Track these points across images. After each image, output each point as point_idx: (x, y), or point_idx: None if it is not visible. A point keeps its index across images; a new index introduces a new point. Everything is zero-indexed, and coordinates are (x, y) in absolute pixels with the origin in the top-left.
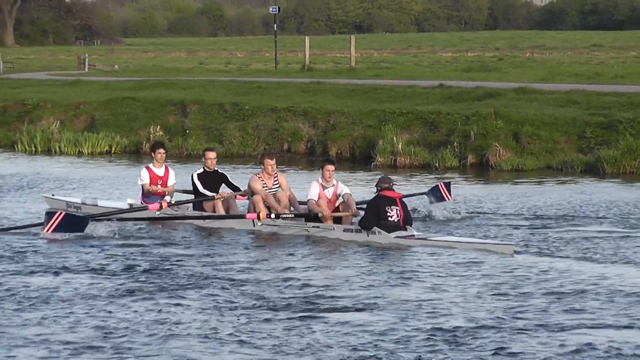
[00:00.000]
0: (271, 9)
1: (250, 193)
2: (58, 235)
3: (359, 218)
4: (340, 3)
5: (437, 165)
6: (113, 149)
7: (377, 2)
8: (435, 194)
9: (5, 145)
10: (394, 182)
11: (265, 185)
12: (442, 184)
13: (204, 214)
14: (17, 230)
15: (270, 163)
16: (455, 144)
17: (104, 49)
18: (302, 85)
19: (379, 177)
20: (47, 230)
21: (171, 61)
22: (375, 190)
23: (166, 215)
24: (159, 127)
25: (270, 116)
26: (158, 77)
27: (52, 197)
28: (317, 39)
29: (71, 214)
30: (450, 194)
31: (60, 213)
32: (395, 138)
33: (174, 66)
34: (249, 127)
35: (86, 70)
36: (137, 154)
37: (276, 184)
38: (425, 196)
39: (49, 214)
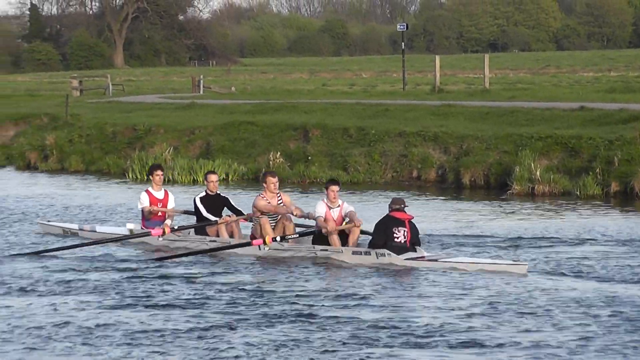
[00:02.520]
0: (399, 26)
1: (257, 213)
2: None
3: (366, 238)
4: (473, 20)
5: (577, 193)
6: (230, 177)
7: (512, 18)
8: None
9: (116, 173)
10: (406, 205)
11: (269, 204)
12: None
13: (209, 243)
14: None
15: (273, 181)
16: (597, 170)
17: (220, 69)
18: (432, 107)
19: (392, 198)
20: None
21: (291, 82)
22: (388, 210)
23: (168, 255)
24: (279, 153)
25: (398, 141)
26: (278, 100)
27: (48, 222)
28: (448, 58)
29: None
30: None
31: None
32: (532, 164)
33: (295, 88)
34: (376, 153)
35: (201, 92)
36: (255, 182)
37: (280, 203)
38: None
39: None
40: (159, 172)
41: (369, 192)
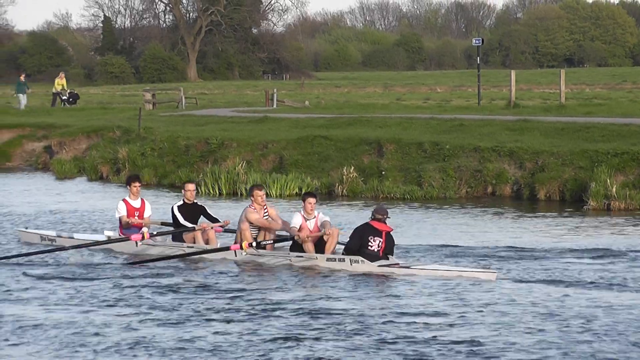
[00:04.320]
0: (474, 41)
1: (244, 224)
2: None
3: (341, 248)
4: (549, 34)
5: None
6: (303, 191)
7: (589, 33)
8: None
9: None
10: (388, 216)
11: (266, 219)
12: None
13: (186, 249)
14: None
15: (260, 194)
16: None
17: (294, 83)
18: (507, 123)
19: (376, 206)
20: None
21: (366, 97)
22: (370, 218)
23: (146, 258)
24: (352, 167)
25: (473, 156)
26: (351, 114)
27: (26, 230)
28: (524, 73)
29: None
30: None
31: None
32: (609, 180)
33: (369, 102)
34: (450, 168)
35: (274, 106)
36: (329, 196)
37: (266, 215)
38: None
39: None
40: (137, 184)
41: (443, 207)
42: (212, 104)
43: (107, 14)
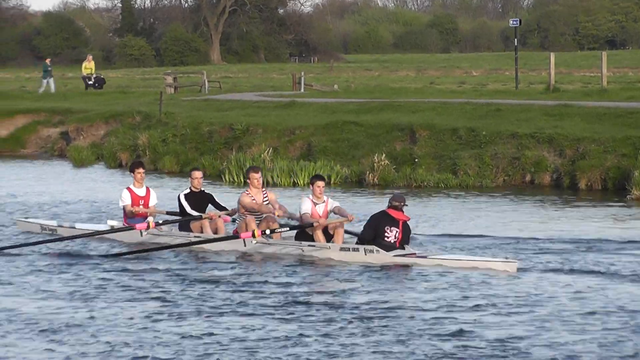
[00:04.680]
0: (511, 22)
1: (242, 210)
2: None
3: (350, 238)
4: (590, 15)
5: None
6: (332, 180)
7: (632, 14)
8: None
9: (212, 175)
10: (406, 204)
11: (254, 201)
12: None
13: (194, 238)
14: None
15: (256, 177)
16: None
17: (322, 66)
18: (546, 108)
19: (394, 193)
20: None
21: (397, 80)
22: (387, 205)
23: (155, 246)
24: (384, 155)
25: (510, 143)
26: (383, 99)
27: (26, 220)
28: (564, 55)
29: None
30: None
31: None
32: None
33: (401, 86)
34: (486, 155)
35: (302, 90)
36: (359, 185)
37: (265, 200)
38: None
39: None
40: (141, 170)
41: (479, 196)
42: (237, 88)
43: None
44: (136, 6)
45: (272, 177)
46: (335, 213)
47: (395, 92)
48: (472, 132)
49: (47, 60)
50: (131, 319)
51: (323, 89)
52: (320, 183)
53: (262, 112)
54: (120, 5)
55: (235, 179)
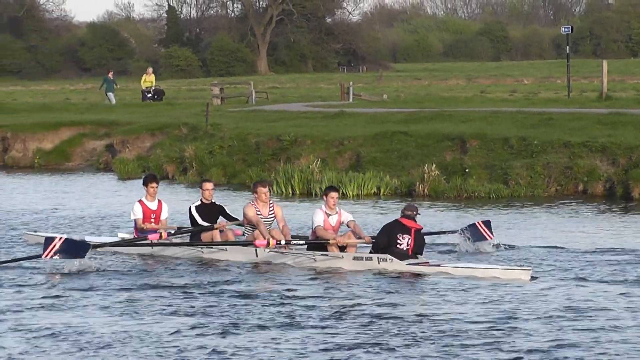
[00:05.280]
0: (563, 29)
1: (245, 221)
2: (58, 259)
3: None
4: None
5: None
6: (382, 191)
7: None
8: (474, 233)
9: None
10: (418, 213)
11: (260, 214)
12: (480, 222)
13: (205, 249)
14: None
15: (263, 191)
16: None
17: (371, 75)
18: (599, 116)
19: (407, 203)
20: (47, 256)
21: (447, 89)
22: (400, 215)
23: (168, 242)
24: (434, 165)
25: (562, 152)
26: (433, 108)
27: (35, 233)
28: (616, 62)
29: (71, 239)
30: (492, 233)
31: (60, 238)
32: None
33: (451, 95)
34: (538, 165)
35: (350, 100)
36: (409, 196)
37: (271, 214)
38: (457, 235)
39: (49, 239)
40: (154, 185)
41: (531, 206)
42: (284, 98)
43: (171, 4)
44: (182, 16)
45: (320, 189)
46: (349, 227)
47: (445, 101)
48: (524, 141)
49: (110, 74)
50: (143, 331)
51: (372, 99)
52: (334, 194)
53: (310, 122)
54: (166, 15)
55: (284, 190)
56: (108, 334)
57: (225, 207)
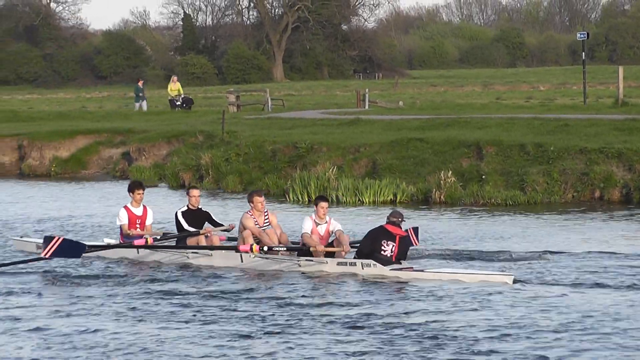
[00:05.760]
0: (579, 35)
1: (242, 228)
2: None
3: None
4: None
5: None
6: (398, 198)
7: None
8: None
9: (276, 194)
10: (403, 220)
11: (256, 223)
12: (410, 228)
13: (190, 254)
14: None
15: (260, 200)
16: None
17: (387, 82)
18: (615, 122)
19: (392, 210)
20: (46, 254)
21: (464, 96)
22: (385, 221)
23: (158, 244)
24: (450, 172)
25: (579, 158)
26: (449, 115)
27: (21, 239)
28: (633, 68)
29: (69, 240)
30: (417, 239)
31: (59, 238)
32: None
33: (467, 102)
34: (555, 171)
35: (366, 107)
36: (425, 203)
37: (267, 222)
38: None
39: (48, 238)
40: (141, 191)
41: (548, 213)
42: (300, 105)
43: (187, 11)
44: (197, 24)
45: (336, 196)
46: (337, 236)
47: (461, 108)
48: (540, 147)
49: (140, 83)
50: (119, 333)
51: (388, 106)
52: (324, 204)
53: (326, 129)
54: (182, 23)
55: (300, 197)
56: (95, 338)
57: (211, 213)
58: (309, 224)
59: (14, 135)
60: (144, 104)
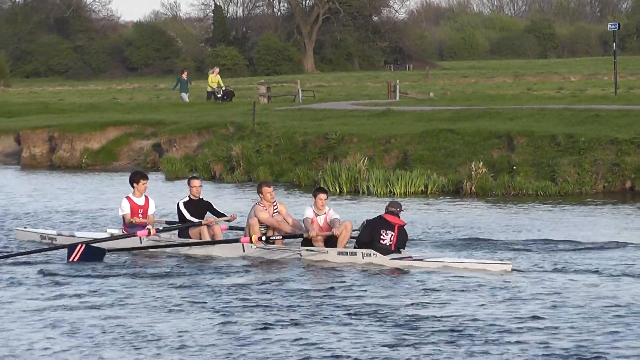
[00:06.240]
0: (610, 26)
1: (254, 220)
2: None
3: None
4: None
5: None
6: (429, 189)
7: None
8: None
9: (306, 186)
10: (402, 209)
11: (273, 217)
12: None
13: (193, 240)
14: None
15: (269, 190)
16: None
17: (417, 74)
18: None
19: (390, 200)
20: (72, 260)
21: (494, 87)
22: (384, 211)
23: (159, 244)
24: (481, 163)
25: (610, 149)
26: (480, 106)
27: (25, 229)
28: None
29: (91, 246)
30: None
31: (82, 245)
32: None
33: (498, 93)
34: (586, 162)
35: (397, 98)
36: (456, 194)
37: (276, 212)
38: None
39: (72, 246)
40: (145, 182)
41: (578, 204)
42: (331, 97)
43: (218, 3)
44: (228, 15)
45: (367, 187)
46: (332, 224)
47: (492, 99)
48: (571, 138)
49: (184, 74)
50: (127, 324)
51: (419, 97)
52: (323, 196)
53: (357, 121)
54: (212, 14)
55: (331, 188)
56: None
57: (212, 203)
58: (309, 211)
59: (45, 127)
60: (185, 97)
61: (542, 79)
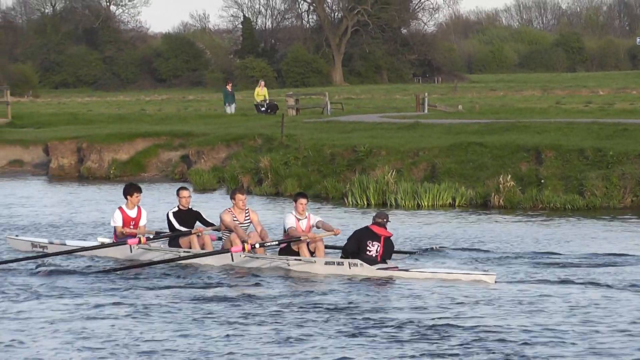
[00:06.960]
0: (638, 40)
1: (222, 227)
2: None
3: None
4: None
5: None
6: (457, 202)
7: None
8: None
9: (334, 198)
10: (389, 221)
11: (236, 219)
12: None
13: (182, 253)
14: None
15: (241, 198)
16: None
17: (446, 87)
18: None
19: (378, 211)
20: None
21: (523, 100)
22: (371, 222)
23: (145, 261)
24: (509, 176)
25: (638, 163)
26: (508, 119)
27: (16, 237)
28: None
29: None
30: None
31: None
32: None
33: (526, 106)
34: (614, 175)
35: (425, 111)
36: (484, 207)
37: (247, 219)
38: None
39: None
40: (138, 195)
41: (606, 218)
42: (359, 109)
43: (246, 15)
44: (257, 27)
45: (395, 200)
46: (318, 227)
47: (520, 112)
48: (599, 152)
49: (229, 86)
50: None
51: (447, 110)
52: (303, 200)
53: (386, 133)
54: (241, 26)
55: (359, 201)
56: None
57: (201, 213)
58: (291, 219)
59: (74, 138)
60: (232, 107)
61: (571, 93)
